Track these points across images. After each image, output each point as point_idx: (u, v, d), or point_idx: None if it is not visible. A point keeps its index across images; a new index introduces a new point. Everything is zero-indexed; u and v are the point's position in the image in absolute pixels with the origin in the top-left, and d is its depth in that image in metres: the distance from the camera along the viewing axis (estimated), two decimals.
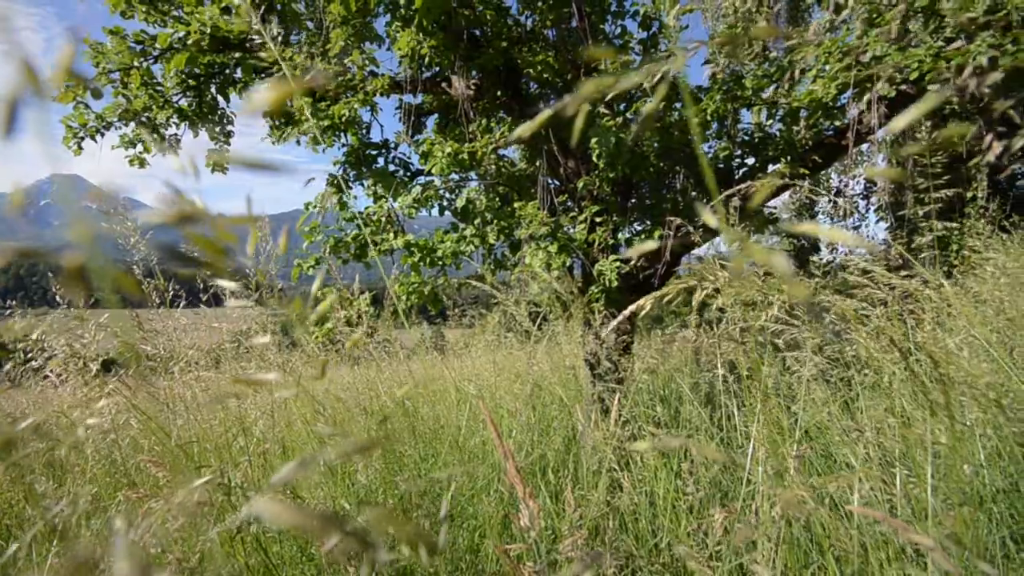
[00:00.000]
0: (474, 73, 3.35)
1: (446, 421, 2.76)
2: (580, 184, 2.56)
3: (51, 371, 2.14)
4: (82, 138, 3.20)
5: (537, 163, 3.42)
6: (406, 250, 2.44)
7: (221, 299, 2.01)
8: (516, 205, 2.56)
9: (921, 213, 1.76)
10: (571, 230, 2.61)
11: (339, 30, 3.45)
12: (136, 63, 2.58)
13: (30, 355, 1.87)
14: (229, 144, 4.14)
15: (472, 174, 3.50)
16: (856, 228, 5.76)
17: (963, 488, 0.86)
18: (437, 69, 3.33)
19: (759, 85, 2.56)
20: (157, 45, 2.55)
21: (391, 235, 2.49)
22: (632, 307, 0.91)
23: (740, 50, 3.67)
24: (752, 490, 1.00)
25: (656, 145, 2.83)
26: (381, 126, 4.54)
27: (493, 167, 2.69)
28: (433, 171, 2.62)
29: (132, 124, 3.37)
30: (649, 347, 4.03)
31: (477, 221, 2.66)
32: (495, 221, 2.56)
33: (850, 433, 1.17)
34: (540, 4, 2.60)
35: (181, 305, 1.95)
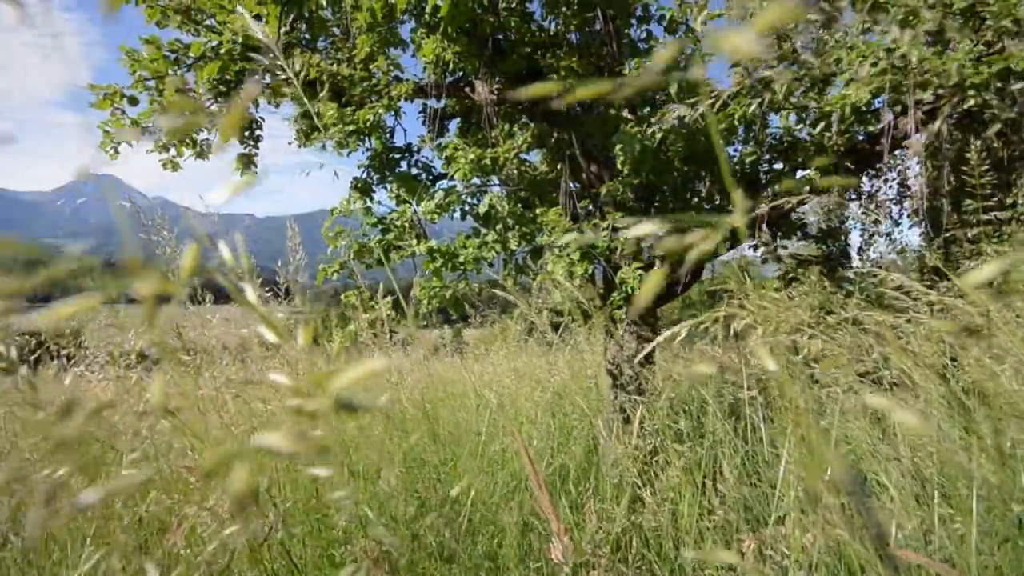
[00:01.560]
0: (497, 78, 3.36)
1: (466, 426, 2.77)
2: (603, 190, 2.54)
3: (89, 363, 2.23)
4: (118, 143, 3.32)
5: (559, 167, 3.41)
6: (428, 255, 2.46)
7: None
8: (538, 211, 2.56)
9: (969, 235, 1.69)
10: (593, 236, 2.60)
11: (365, 36, 3.50)
12: (171, 71, 2.66)
13: (64, 347, 1.94)
14: (258, 148, 4.24)
15: (494, 179, 3.51)
16: (888, 235, 5.59)
17: (1009, 527, 0.82)
18: (461, 74, 3.35)
19: (790, 89, 2.50)
20: (191, 54, 2.62)
21: (414, 240, 2.51)
22: (666, 333, 0.90)
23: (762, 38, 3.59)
24: (783, 514, 0.97)
25: (680, 149, 2.79)
26: (404, 130, 4.59)
27: (515, 172, 2.69)
28: (456, 176, 2.63)
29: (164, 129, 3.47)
30: (673, 357, 3.98)
31: (499, 227, 2.66)
32: (517, 227, 2.56)
33: (886, 457, 1.13)
34: (564, 9, 2.59)
35: (211, 301, 2.00)
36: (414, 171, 4.59)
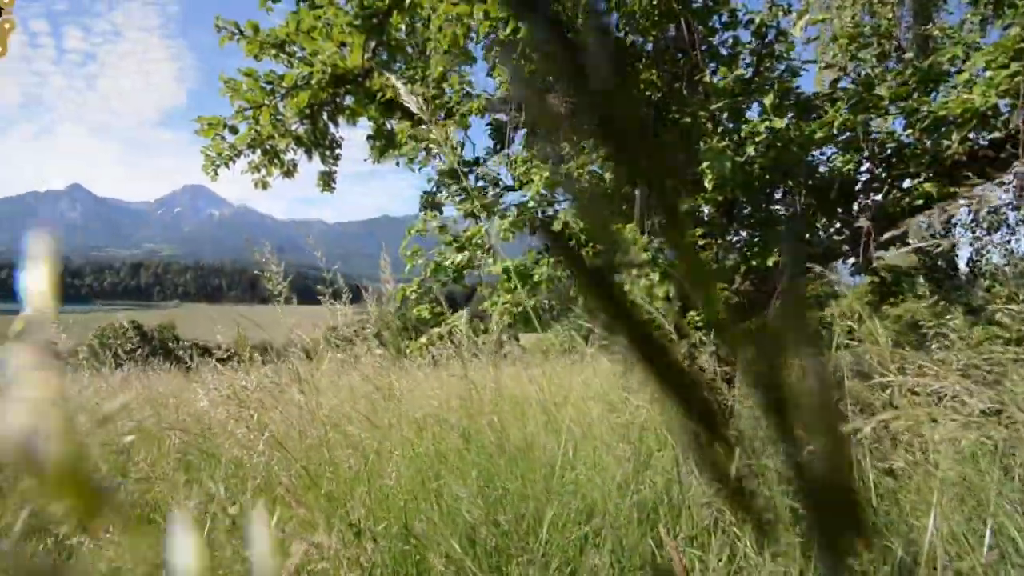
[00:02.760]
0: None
1: (536, 443, 2.73)
2: (683, 207, 2.42)
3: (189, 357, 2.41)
4: (218, 165, 3.62)
5: (633, 181, 3.31)
6: (503, 275, 2.46)
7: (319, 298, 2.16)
8: (614, 228, 2.49)
9: None
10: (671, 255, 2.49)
11: (439, 57, 3.59)
12: (266, 101, 2.86)
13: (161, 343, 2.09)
14: (337, 166, 4.48)
15: (560, 193, 3.46)
16: (1006, 244, 4.96)
17: None
18: None
19: (897, 93, 2.26)
20: (284, 84, 2.80)
21: (490, 260, 2.53)
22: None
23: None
24: None
25: (768, 159, 2.61)
26: (473, 144, 4.67)
27: (588, 187, 2.64)
28: (530, 193, 2.62)
29: (258, 152, 3.74)
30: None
31: (572, 243, 2.62)
32: (591, 244, 2.50)
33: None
34: (642, 20, 2.51)
35: (294, 301, 2.08)
36: (481, 184, 4.66)
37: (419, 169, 4.50)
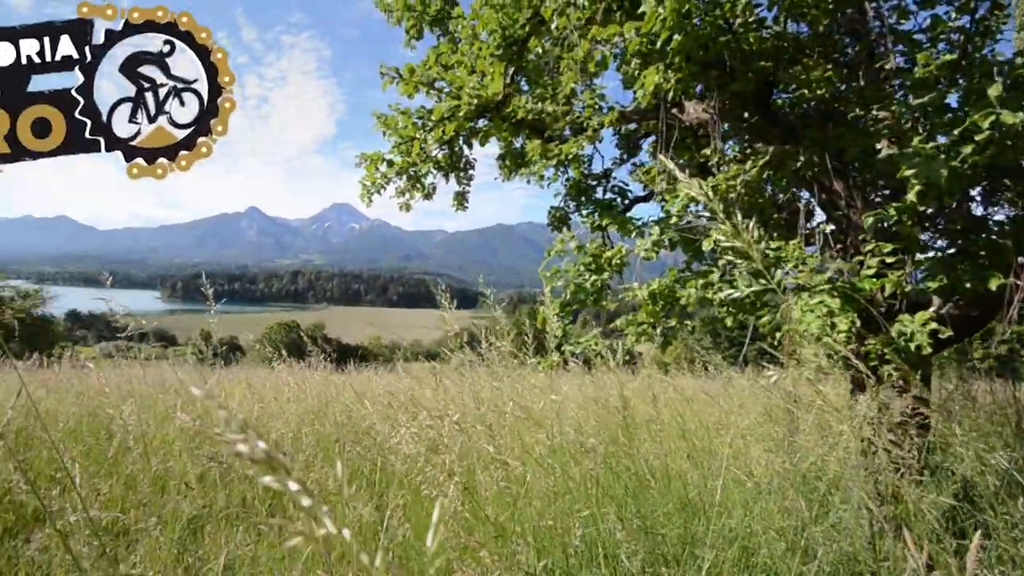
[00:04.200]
0: (708, 97, 3.08)
1: (673, 469, 2.54)
2: (867, 219, 2.06)
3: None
4: (372, 193, 4.04)
5: (790, 191, 2.94)
6: (649, 299, 2.34)
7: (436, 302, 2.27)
8: (773, 245, 2.22)
9: None
10: (849, 275, 2.13)
11: (570, 73, 3.58)
12: (417, 135, 3.11)
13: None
14: (470, 186, 4.73)
15: (706, 207, 3.20)
16: None
17: None
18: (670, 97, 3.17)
19: None
20: (432, 117, 3.02)
21: (635, 284, 2.42)
22: None
23: None
24: None
25: (982, 156, 2.12)
26: (602, 156, 4.58)
27: (743, 200, 2.39)
28: (673, 210, 2.46)
29: (404, 178, 4.09)
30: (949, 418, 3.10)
31: (722, 262, 2.40)
32: (744, 262, 2.26)
33: None
34: (813, 10, 2.21)
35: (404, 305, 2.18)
36: (609, 196, 4.55)
37: (548, 185, 4.54)
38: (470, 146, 4.26)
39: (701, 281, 2.29)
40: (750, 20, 2.24)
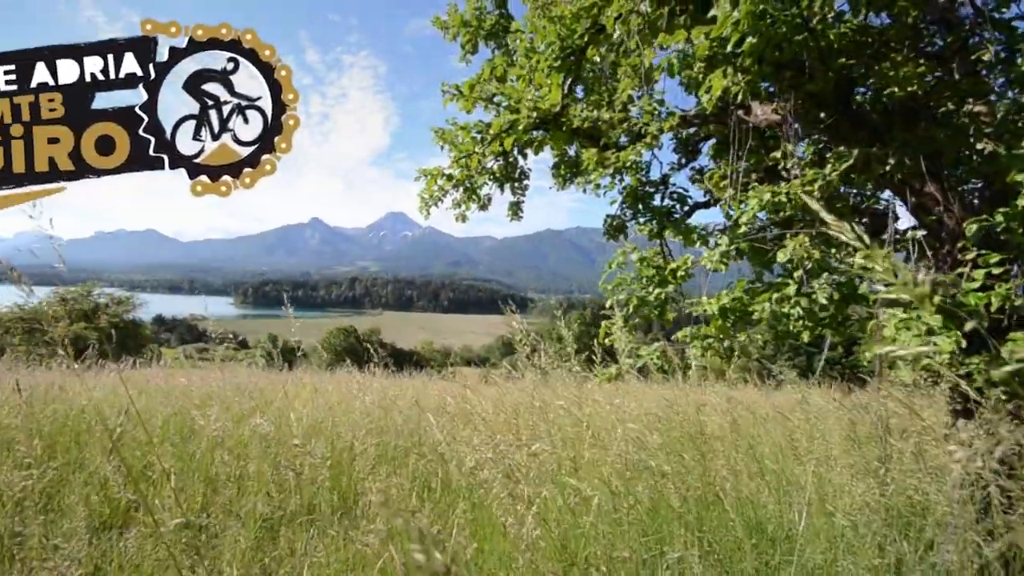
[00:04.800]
0: (776, 99, 2.91)
1: (744, 491, 2.39)
2: (972, 226, 1.86)
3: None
4: (430, 205, 4.14)
5: (874, 195, 2.72)
6: (719, 314, 2.23)
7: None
8: (859, 255, 2.05)
9: None
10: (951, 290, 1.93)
11: (627, 80, 3.51)
12: (476, 149, 3.15)
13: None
14: (524, 195, 4.74)
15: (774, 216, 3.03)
16: None
17: None
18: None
19: None
20: (491, 131, 3.06)
21: (704, 298, 2.32)
22: None
23: None
24: None
25: None
26: (660, 163, 4.45)
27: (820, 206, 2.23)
28: (742, 220, 2.34)
29: (460, 189, 4.17)
30: None
31: (798, 273, 2.24)
32: (825, 275, 2.11)
33: None
34: (901, 1, 2.04)
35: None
36: (667, 202, 4.40)
37: (604, 194, 4.46)
38: (524, 156, 4.27)
39: (775, 294, 2.15)
40: (828, 16, 2.10)
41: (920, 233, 2.59)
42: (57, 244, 1.39)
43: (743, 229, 2.45)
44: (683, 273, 2.46)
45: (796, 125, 2.83)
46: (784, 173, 2.72)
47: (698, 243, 2.71)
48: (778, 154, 2.93)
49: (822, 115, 2.56)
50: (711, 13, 2.03)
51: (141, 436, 2.96)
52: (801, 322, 2.33)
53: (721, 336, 2.30)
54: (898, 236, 2.49)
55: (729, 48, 1.90)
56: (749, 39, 1.84)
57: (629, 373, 2.78)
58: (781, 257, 2.14)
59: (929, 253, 2.53)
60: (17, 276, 1.58)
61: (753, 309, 2.18)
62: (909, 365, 1.66)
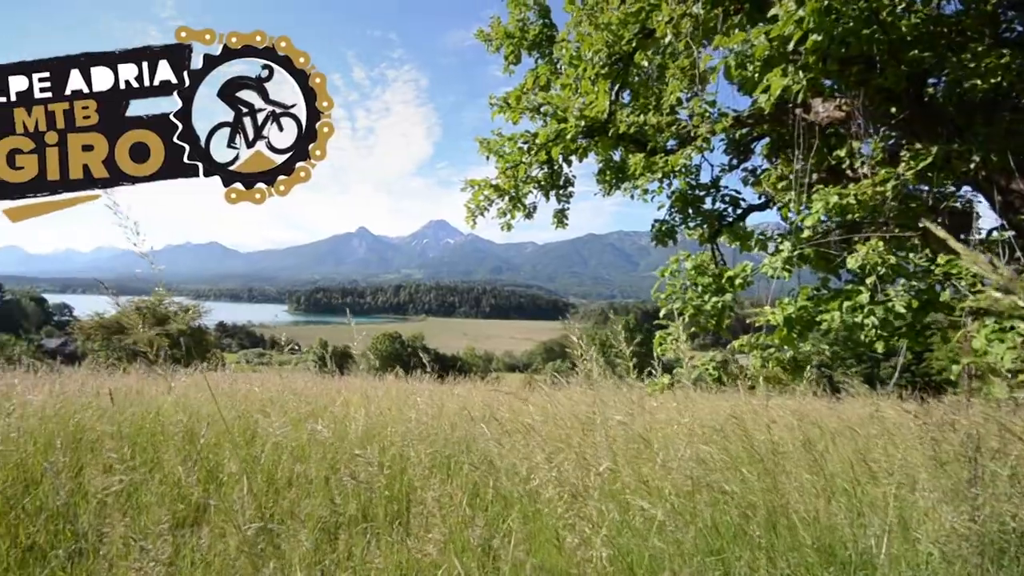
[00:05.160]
0: (839, 96, 2.75)
1: (810, 511, 2.24)
2: None
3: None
4: (476, 215, 4.19)
5: (952, 193, 2.52)
6: (784, 325, 2.12)
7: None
8: (940, 260, 1.90)
9: None
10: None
11: (675, 83, 3.43)
12: (523, 159, 3.17)
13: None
14: (569, 203, 4.72)
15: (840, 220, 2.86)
16: None
17: None
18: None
19: None
20: (537, 141, 3.07)
21: (767, 308, 2.22)
22: None
23: None
24: None
25: None
26: (711, 166, 4.32)
27: (891, 208, 2.08)
28: (806, 223, 2.22)
29: (505, 199, 4.20)
30: None
31: (870, 280, 2.10)
32: (903, 282, 1.96)
33: None
34: None
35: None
36: (719, 206, 4.25)
37: (652, 199, 4.37)
38: (569, 163, 4.25)
39: (847, 303, 2.02)
40: (898, 7, 1.97)
41: (1009, 234, 2.38)
42: (149, 260, 1.49)
43: (807, 233, 2.33)
44: (741, 281, 2.36)
45: (862, 122, 2.67)
46: (850, 172, 2.57)
47: (755, 248, 2.59)
48: (842, 152, 2.77)
49: (893, 110, 2.40)
50: (771, 12, 1.95)
51: (211, 438, 3.14)
52: (875, 331, 2.18)
53: (784, 346, 2.19)
54: (985, 238, 2.30)
55: (791, 46, 1.82)
56: (813, 37, 1.75)
57: (683, 384, 2.69)
58: (852, 263, 2.01)
59: (1016, 255, 2.31)
60: (108, 289, 1.71)
61: (824, 319, 2.06)
62: (1004, 380, 1.52)
